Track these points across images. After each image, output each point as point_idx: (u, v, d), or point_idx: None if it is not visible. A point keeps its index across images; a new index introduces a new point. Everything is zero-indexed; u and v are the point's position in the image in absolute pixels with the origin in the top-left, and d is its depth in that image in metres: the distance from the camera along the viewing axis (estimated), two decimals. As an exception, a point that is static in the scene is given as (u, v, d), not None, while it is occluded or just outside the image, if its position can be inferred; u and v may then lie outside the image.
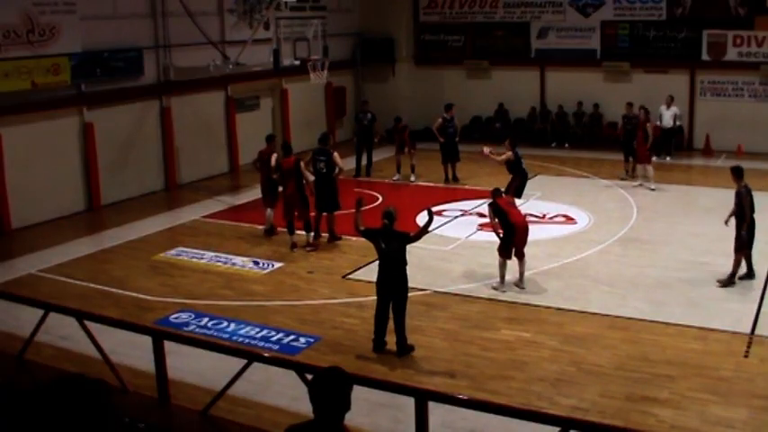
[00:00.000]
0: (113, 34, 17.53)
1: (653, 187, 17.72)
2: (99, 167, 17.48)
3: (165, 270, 13.29)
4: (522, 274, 11.94)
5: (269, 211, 15.00)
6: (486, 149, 15.45)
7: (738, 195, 11.81)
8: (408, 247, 9.69)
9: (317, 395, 3.61)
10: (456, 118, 19.58)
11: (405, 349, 9.65)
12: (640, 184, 18.01)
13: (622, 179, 18.76)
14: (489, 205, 12.24)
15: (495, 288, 11.84)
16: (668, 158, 20.92)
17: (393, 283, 9.60)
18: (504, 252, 11.84)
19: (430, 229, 10.10)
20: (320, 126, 23.91)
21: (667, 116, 20.89)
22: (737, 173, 12.03)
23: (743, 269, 11.93)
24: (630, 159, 18.77)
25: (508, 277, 11.88)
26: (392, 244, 9.58)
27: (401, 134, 19.64)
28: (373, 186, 18.88)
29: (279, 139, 22.29)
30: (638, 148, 18.02)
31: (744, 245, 11.72)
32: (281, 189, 14.46)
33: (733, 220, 11.97)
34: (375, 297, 9.81)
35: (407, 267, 9.68)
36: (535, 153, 21.42)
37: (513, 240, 11.79)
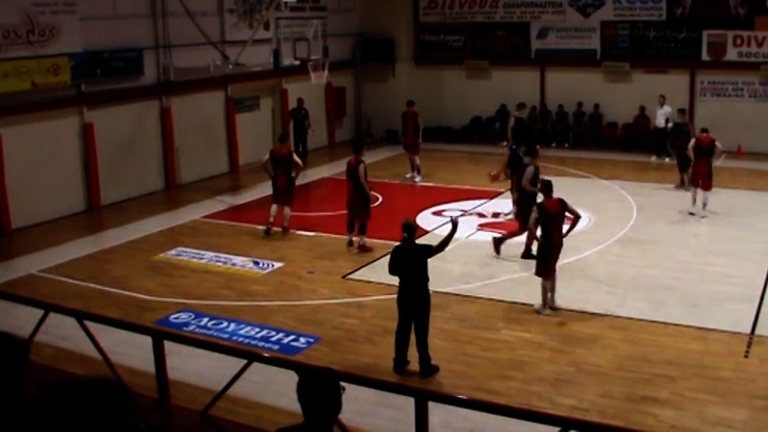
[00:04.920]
0: (113, 34, 17.52)
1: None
2: (99, 167, 17.48)
3: (165, 270, 13.29)
4: (553, 291, 11.03)
5: (275, 207, 14.97)
6: (493, 173, 15.86)
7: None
8: None
9: (307, 397, 3.49)
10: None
11: (429, 369, 9.09)
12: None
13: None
14: (536, 205, 11.22)
15: (538, 312, 10.83)
16: (667, 159, 20.56)
17: (415, 300, 9.06)
18: (544, 270, 10.84)
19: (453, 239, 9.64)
20: (320, 126, 23.98)
21: (660, 116, 20.91)
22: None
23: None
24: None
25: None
26: (413, 258, 9.10)
27: (412, 119, 19.26)
28: (374, 186, 18.84)
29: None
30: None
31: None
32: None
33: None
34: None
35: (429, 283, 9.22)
36: (535, 153, 21.40)
37: (551, 255, 10.80)
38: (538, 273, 10.96)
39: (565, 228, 11.05)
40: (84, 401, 2.14)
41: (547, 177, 11.90)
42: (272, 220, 14.94)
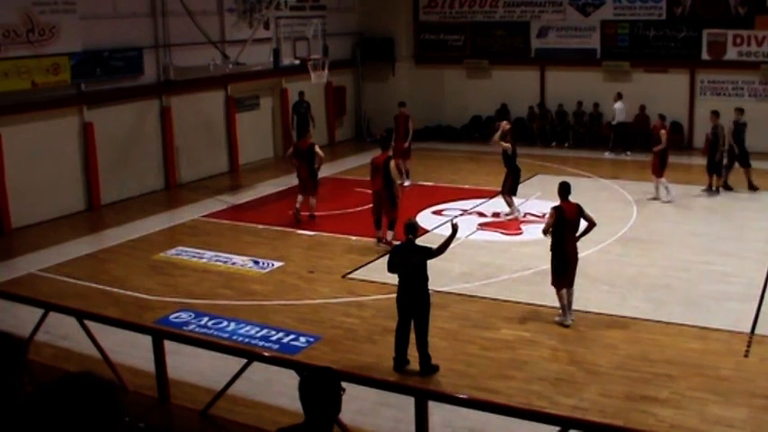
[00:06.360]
0: (113, 34, 17.52)
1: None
2: (99, 167, 17.47)
3: (165, 269, 13.29)
4: (570, 303, 10.52)
5: (301, 196, 15.61)
6: (506, 124, 15.95)
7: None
8: None
9: (308, 396, 3.52)
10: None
11: (429, 369, 9.10)
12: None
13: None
14: (554, 209, 10.42)
15: (559, 323, 10.42)
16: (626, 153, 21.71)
17: (414, 300, 9.06)
18: (558, 281, 10.38)
19: (452, 243, 9.49)
20: (320, 125, 23.96)
21: (619, 112, 21.38)
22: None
23: None
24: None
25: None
26: (413, 258, 9.05)
27: (404, 121, 18.98)
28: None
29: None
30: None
31: None
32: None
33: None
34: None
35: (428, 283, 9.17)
36: (535, 152, 21.44)
37: (569, 263, 10.31)
38: (554, 283, 10.45)
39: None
40: (72, 397, 2.14)
41: (565, 179, 11.05)
42: (298, 206, 15.64)
